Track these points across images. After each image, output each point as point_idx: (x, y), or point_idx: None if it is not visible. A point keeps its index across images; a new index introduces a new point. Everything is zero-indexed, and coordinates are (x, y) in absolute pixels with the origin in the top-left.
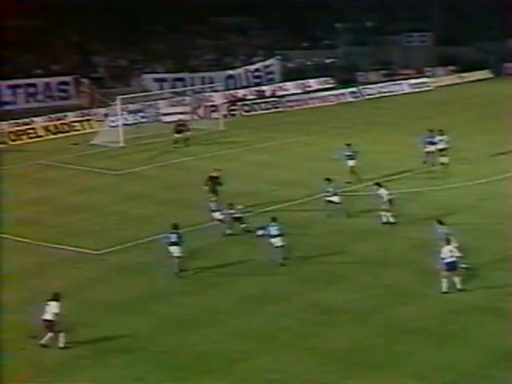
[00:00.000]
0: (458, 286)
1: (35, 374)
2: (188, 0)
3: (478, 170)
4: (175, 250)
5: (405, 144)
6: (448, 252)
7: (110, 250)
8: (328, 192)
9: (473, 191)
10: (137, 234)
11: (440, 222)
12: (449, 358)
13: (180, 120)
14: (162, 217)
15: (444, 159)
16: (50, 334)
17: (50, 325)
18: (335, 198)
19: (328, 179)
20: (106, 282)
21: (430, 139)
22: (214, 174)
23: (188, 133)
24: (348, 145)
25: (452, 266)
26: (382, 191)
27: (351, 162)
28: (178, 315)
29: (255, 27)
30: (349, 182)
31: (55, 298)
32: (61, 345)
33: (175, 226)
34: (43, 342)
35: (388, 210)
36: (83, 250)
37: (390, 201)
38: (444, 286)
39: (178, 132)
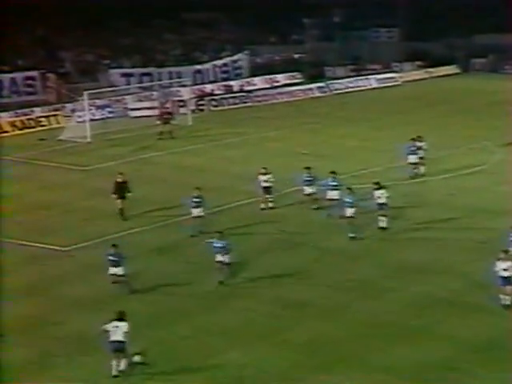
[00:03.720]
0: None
1: (2, 374)
2: None
3: (444, 165)
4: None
5: (373, 138)
6: (503, 266)
7: (78, 247)
8: (306, 181)
9: (441, 185)
10: (105, 229)
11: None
12: (416, 352)
13: (166, 111)
14: (129, 212)
15: (421, 169)
16: (122, 358)
17: (121, 347)
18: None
19: (308, 168)
20: (74, 279)
21: (412, 148)
22: (120, 180)
23: (174, 122)
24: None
25: (508, 281)
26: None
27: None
28: (146, 312)
29: (223, 22)
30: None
31: (121, 317)
32: (122, 367)
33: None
34: (119, 369)
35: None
36: (51, 247)
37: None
38: (502, 297)
39: (166, 122)
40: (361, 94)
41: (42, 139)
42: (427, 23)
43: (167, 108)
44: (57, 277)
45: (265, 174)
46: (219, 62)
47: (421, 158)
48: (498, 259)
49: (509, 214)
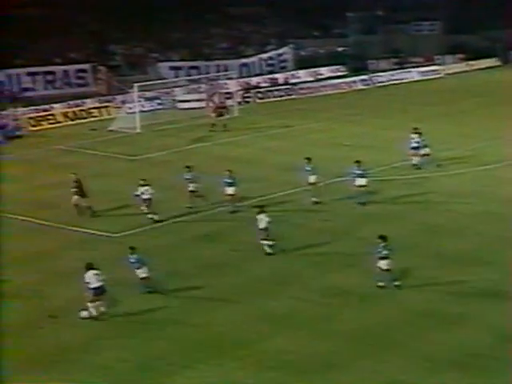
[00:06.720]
0: None
1: (57, 353)
2: None
3: (483, 156)
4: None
5: None
6: None
7: (127, 233)
8: (355, 174)
9: (478, 177)
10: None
11: None
12: (457, 340)
13: (220, 103)
14: (177, 201)
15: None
16: (98, 303)
17: (100, 292)
18: (362, 181)
19: (357, 161)
20: (124, 264)
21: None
22: (75, 179)
23: (227, 116)
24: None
25: None
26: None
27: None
28: (196, 295)
29: (268, 16)
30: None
31: (92, 267)
32: (103, 309)
33: None
34: (93, 314)
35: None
36: (100, 233)
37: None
38: None
39: (220, 115)
40: (403, 86)
41: (93, 129)
42: (467, 16)
43: (222, 102)
44: (106, 261)
45: (143, 185)
46: (264, 56)
47: (415, 148)
48: None
49: None
